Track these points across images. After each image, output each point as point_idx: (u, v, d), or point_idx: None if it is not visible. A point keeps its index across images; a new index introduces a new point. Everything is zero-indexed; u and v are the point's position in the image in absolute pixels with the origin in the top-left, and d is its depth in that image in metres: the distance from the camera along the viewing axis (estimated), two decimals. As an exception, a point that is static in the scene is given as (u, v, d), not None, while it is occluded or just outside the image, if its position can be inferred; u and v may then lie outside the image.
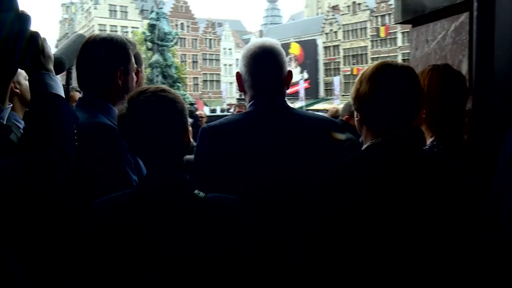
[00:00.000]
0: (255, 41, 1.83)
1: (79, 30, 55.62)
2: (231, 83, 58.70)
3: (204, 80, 63.35)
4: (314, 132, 1.74)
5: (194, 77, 61.58)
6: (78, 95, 1.92)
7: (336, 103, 29.18)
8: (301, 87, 37.52)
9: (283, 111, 1.76)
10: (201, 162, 1.73)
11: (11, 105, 1.55)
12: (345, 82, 54.41)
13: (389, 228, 1.33)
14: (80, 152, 1.50)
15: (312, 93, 52.98)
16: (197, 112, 10.28)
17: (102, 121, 1.70)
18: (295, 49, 59.11)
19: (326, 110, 8.91)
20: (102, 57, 1.77)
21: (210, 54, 64.83)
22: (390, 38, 54.70)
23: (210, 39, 65.02)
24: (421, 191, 1.37)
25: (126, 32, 54.63)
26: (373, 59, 51.40)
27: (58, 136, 1.40)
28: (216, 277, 1.28)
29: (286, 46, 54.84)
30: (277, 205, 1.62)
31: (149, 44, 25.22)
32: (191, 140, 1.81)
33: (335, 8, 62.04)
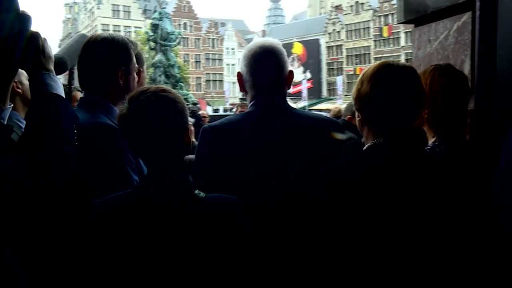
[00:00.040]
0: (256, 40, 1.83)
1: (82, 30, 55.82)
2: (233, 83, 58.56)
3: (207, 80, 63.37)
4: (315, 132, 1.73)
5: (196, 77, 61.62)
6: (80, 95, 1.92)
7: (339, 103, 29.13)
8: (304, 87, 37.56)
9: (284, 111, 1.76)
10: (202, 162, 1.73)
11: (12, 105, 1.55)
12: (348, 82, 54.31)
13: (389, 228, 1.33)
14: (81, 152, 1.50)
15: (315, 93, 52.99)
16: (200, 112, 10.30)
17: (103, 121, 1.70)
18: (298, 49, 59.03)
19: (328, 110, 8.90)
20: (103, 57, 1.77)
21: (213, 54, 64.86)
22: (393, 38, 54.59)
23: (213, 39, 65.06)
24: (422, 191, 1.37)
25: (129, 32, 54.68)
26: (376, 59, 51.25)
27: (58, 136, 1.40)
28: (216, 277, 1.28)
29: (289, 46, 54.77)
30: (277, 205, 1.62)
31: (152, 44, 25.29)
32: (193, 140, 1.81)
33: (338, 8, 61.94)
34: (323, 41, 61.99)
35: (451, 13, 2.36)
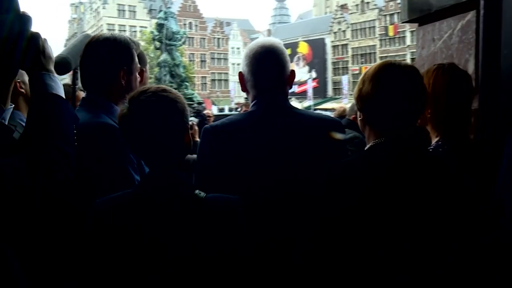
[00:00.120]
0: (257, 40, 1.82)
1: (88, 30, 56.04)
2: (239, 82, 58.60)
3: (212, 79, 63.45)
4: (316, 132, 1.73)
5: (202, 76, 61.69)
6: (83, 94, 1.93)
7: (344, 102, 29.07)
8: (310, 86, 37.53)
9: (286, 111, 1.75)
10: (203, 162, 1.73)
11: (13, 105, 1.56)
12: (353, 81, 54.08)
13: (389, 228, 1.32)
14: (82, 152, 1.50)
15: (320, 92, 52.89)
16: (205, 112, 10.29)
17: (105, 121, 1.70)
18: (304, 48, 58.94)
19: (334, 109, 8.89)
20: (105, 57, 1.77)
21: (218, 53, 64.92)
22: (398, 37, 54.43)
23: (218, 38, 65.13)
24: (422, 191, 1.36)
25: (135, 31, 54.89)
26: (381, 58, 51.09)
27: (58, 136, 1.41)
28: (216, 277, 1.28)
29: (294, 45, 54.80)
30: (278, 205, 1.62)
31: (157, 44, 25.30)
32: (198, 139, 1.81)
33: (343, 7, 61.83)
34: (329, 40, 61.90)
35: (455, 12, 2.35)
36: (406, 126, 1.45)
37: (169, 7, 26.44)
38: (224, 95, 58.34)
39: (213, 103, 40.86)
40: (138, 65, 1.87)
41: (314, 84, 43.84)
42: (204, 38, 63.45)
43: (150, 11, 61.21)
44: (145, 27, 54.97)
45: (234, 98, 45.59)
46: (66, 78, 2.40)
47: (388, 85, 1.44)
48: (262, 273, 1.38)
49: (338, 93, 52.75)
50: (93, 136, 1.61)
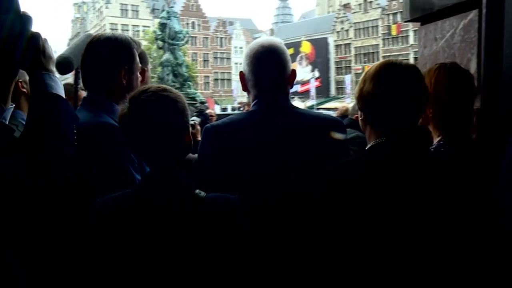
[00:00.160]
0: (258, 40, 1.82)
1: (90, 29, 56.21)
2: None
3: (215, 79, 63.43)
4: (317, 132, 1.72)
5: (205, 76, 61.70)
6: (85, 94, 1.93)
7: (347, 102, 29.06)
8: (312, 85, 37.57)
9: (286, 110, 1.75)
10: (204, 161, 1.73)
11: (14, 105, 1.56)
12: (356, 81, 54.01)
13: (389, 228, 1.32)
14: (83, 151, 1.50)
15: (323, 91, 52.86)
16: (207, 111, 10.30)
17: (106, 120, 1.70)
18: (306, 48, 58.84)
19: (337, 109, 8.89)
20: (106, 56, 1.77)
21: (221, 52, 64.90)
22: (401, 36, 54.27)
23: (221, 38, 65.11)
24: (422, 191, 1.35)
25: (137, 31, 54.95)
26: (384, 57, 50.96)
27: (58, 136, 1.41)
28: (216, 277, 1.28)
29: (297, 45, 54.69)
30: (278, 205, 1.61)
31: (160, 43, 25.35)
32: (200, 139, 1.81)
33: (346, 6, 61.72)
34: (332, 40, 61.78)
35: (457, 11, 2.34)
36: (407, 125, 1.44)
37: (171, 7, 26.44)
38: (227, 95, 58.34)
39: (216, 103, 40.91)
40: (139, 65, 1.87)
41: (317, 83, 43.85)
42: (206, 38, 63.44)
43: (153, 10, 61.22)
44: (148, 27, 54.95)
45: (236, 98, 45.61)
46: (69, 78, 2.41)
47: (389, 84, 1.43)
48: (262, 273, 1.38)
49: (341, 93, 52.71)
50: (93, 136, 1.61)
